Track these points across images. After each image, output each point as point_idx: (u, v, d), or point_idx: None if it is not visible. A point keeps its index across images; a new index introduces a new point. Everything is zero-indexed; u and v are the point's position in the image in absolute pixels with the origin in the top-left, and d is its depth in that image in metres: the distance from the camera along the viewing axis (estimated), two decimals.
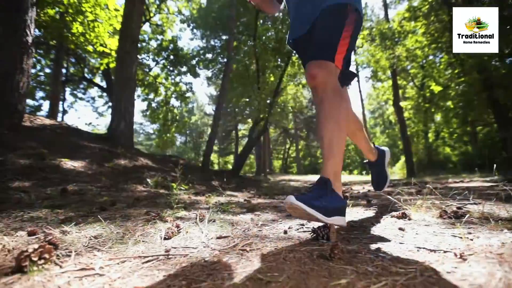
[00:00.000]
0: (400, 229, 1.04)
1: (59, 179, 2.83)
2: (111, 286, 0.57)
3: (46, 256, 0.69)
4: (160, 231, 1.10)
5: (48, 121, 5.71)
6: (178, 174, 2.19)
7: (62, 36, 7.93)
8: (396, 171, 16.62)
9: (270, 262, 0.70)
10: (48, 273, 0.65)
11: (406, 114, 12.96)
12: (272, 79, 9.62)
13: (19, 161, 2.97)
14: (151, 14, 11.97)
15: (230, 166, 27.68)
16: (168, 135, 13.38)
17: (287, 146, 29.49)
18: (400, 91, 12.74)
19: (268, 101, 9.66)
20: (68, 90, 13.98)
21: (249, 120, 15.07)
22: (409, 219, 1.23)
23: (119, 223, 1.29)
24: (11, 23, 3.89)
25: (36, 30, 8.03)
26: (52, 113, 10.15)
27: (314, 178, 11.18)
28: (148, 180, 3.26)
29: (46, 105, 14.51)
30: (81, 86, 15.44)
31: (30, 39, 4.11)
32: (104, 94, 15.00)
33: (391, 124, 23.55)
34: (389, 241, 0.89)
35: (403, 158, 15.20)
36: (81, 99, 15.99)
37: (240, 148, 21.51)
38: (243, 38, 11.47)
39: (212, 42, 14.34)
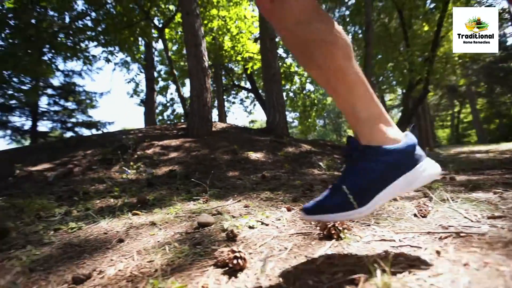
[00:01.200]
0: None
1: (252, 168, 3.50)
2: (449, 259, 0.57)
3: (346, 226, 0.80)
4: (400, 209, 1.07)
5: (223, 125, 7.24)
6: None
7: (218, 55, 9.82)
8: None
9: None
10: (357, 241, 0.74)
11: None
12: (426, 28, 7.79)
13: (223, 156, 3.91)
14: None
15: None
16: (309, 120, 13.83)
17: (456, 109, 23.07)
18: None
19: (422, 58, 7.92)
20: (225, 97, 17.22)
21: (398, 88, 13.02)
22: None
23: None
24: (195, 55, 5.14)
25: None
26: (220, 118, 12.84)
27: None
28: (320, 163, 3.44)
29: (214, 112, 18.61)
30: (233, 92, 18.59)
31: (206, 64, 5.30)
32: (250, 94, 17.36)
33: None
34: None
35: None
36: (233, 103, 19.23)
37: None
38: None
39: (337, 14, 13.36)
